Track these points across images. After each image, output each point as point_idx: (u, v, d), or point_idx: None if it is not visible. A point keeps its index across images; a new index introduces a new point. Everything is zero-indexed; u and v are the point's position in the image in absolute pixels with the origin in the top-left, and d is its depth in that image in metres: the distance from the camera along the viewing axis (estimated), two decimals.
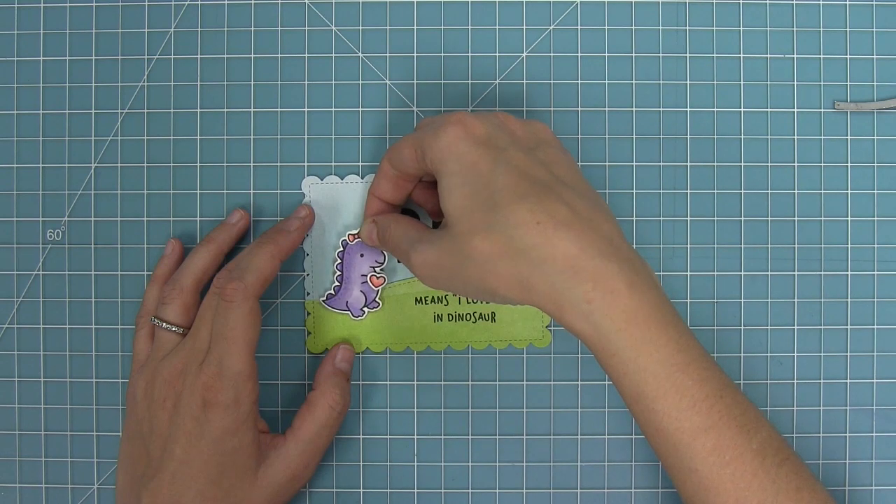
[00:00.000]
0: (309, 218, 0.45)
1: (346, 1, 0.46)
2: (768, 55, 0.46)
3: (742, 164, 0.46)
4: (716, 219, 0.46)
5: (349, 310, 0.45)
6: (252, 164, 0.46)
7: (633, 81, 0.46)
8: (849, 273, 0.46)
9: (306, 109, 0.46)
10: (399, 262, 0.45)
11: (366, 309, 0.45)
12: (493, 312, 0.46)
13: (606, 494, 0.46)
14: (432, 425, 0.46)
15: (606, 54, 0.46)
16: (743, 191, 0.46)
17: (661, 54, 0.46)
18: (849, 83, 0.46)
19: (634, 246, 0.45)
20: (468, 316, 0.46)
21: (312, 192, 0.46)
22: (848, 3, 0.46)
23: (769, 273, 0.46)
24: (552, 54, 0.46)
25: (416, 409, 0.46)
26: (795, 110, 0.46)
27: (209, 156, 0.46)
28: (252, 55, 0.46)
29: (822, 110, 0.46)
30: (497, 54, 0.46)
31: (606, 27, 0.46)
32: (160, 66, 0.46)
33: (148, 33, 0.46)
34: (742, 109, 0.46)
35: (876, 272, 0.46)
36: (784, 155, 0.46)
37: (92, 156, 0.46)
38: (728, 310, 0.46)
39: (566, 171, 0.38)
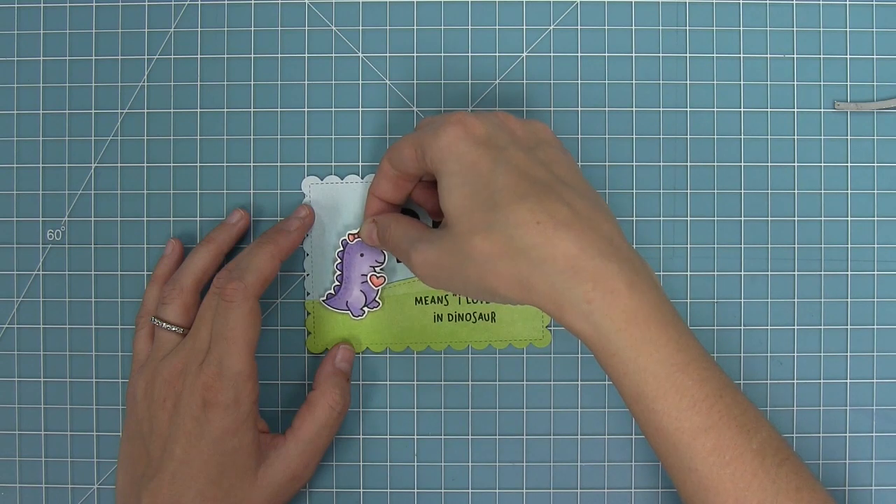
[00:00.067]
0: (309, 218, 0.45)
1: (346, 1, 0.46)
2: (768, 55, 0.46)
3: (742, 164, 0.46)
4: (716, 219, 0.46)
5: (349, 310, 0.45)
6: (252, 164, 0.46)
7: (633, 81, 0.46)
8: (849, 273, 0.46)
9: (306, 109, 0.46)
10: (399, 261, 0.45)
11: (366, 309, 0.45)
12: (493, 312, 0.46)
13: (606, 494, 0.46)
14: (432, 425, 0.46)
15: (606, 54, 0.46)
16: (743, 191, 0.46)
17: (661, 54, 0.46)
18: (849, 83, 0.46)
19: (634, 246, 0.45)
20: (468, 316, 0.46)
21: (312, 192, 0.46)
22: (848, 3, 0.46)
23: (769, 273, 0.46)
24: (552, 54, 0.46)
25: (416, 409, 0.46)
26: (795, 110, 0.46)
27: (209, 156, 0.46)
28: (252, 55, 0.46)
29: (822, 110, 0.46)
30: (497, 54, 0.46)
31: (606, 27, 0.46)
32: (160, 66, 0.46)
33: (148, 33, 0.46)
34: (742, 109, 0.46)
35: (876, 272, 0.46)
36: (784, 155, 0.46)
37: (92, 156, 0.46)
38: (728, 310, 0.46)
39: (566, 170, 0.38)
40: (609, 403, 0.46)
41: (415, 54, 0.46)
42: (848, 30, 0.46)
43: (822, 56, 0.46)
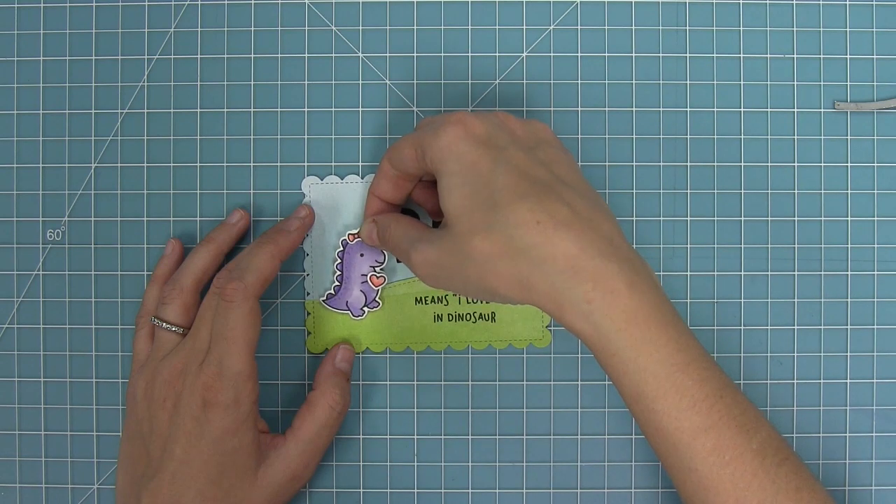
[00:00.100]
0: (309, 218, 0.45)
1: (346, 1, 0.46)
2: (768, 55, 0.46)
3: (742, 164, 0.46)
4: (716, 219, 0.46)
5: (349, 310, 0.45)
6: (252, 164, 0.46)
7: (633, 81, 0.46)
8: (849, 273, 0.46)
9: (306, 109, 0.46)
10: (399, 261, 0.45)
11: (366, 309, 0.45)
12: (493, 312, 0.46)
13: (606, 494, 0.46)
14: (432, 425, 0.46)
15: (606, 54, 0.46)
16: (743, 191, 0.46)
17: (661, 54, 0.46)
18: (849, 83, 0.46)
19: (634, 246, 0.45)
20: (468, 316, 0.46)
21: (312, 192, 0.46)
22: (848, 3, 0.46)
23: (769, 273, 0.46)
24: (552, 54, 0.46)
25: (416, 409, 0.46)
26: (795, 110, 0.46)
27: (209, 156, 0.46)
28: (252, 55, 0.46)
29: (822, 110, 0.46)
30: (497, 54, 0.46)
31: (606, 27, 0.46)
32: (160, 66, 0.46)
33: (148, 33, 0.46)
34: (742, 109, 0.46)
35: (876, 272, 0.46)
36: (784, 155, 0.46)
37: (92, 156, 0.46)
38: (728, 310, 0.46)
39: (566, 170, 0.38)
40: (609, 403, 0.46)
41: (415, 54, 0.46)
42: (848, 30, 0.46)
43: (822, 56, 0.46)
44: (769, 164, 0.46)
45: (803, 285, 0.46)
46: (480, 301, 0.45)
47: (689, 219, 0.46)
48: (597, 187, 0.45)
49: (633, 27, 0.46)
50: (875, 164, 0.46)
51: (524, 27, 0.46)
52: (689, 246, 0.46)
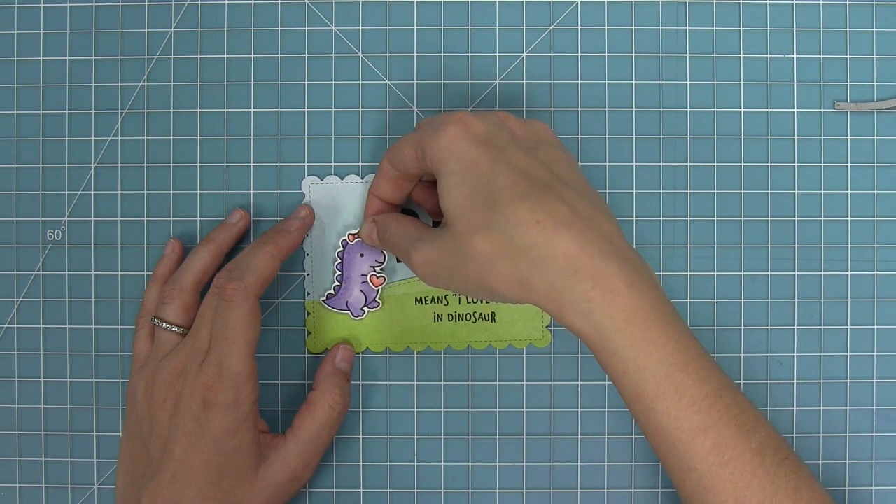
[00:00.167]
0: (309, 218, 0.45)
1: (346, 1, 0.46)
2: (768, 55, 0.46)
3: (742, 164, 0.46)
4: (716, 219, 0.46)
5: (349, 310, 0.45)
6: (252, 164, 0.46)
7: (633, 81, 0.46)
8: (849, 273, 0.46)
9: (306, 109, 0.46)
10: (399, 261, 0.45)
11: (366, 309, 0.45)
12: (493, 312, 0.46)
13: (606, 494, 0.46)
14: (432, 425, 0.46)
15: (606, 54, 0.46)
16: (743, 191, 0.46)
17: (661, 54, 0.46)
18: (849, 83, 0.46)
19: (634, 246, 0.45)
20: (468, 316, 0.46)
21: (312, 192, 0.46)
22: (848, 3, 0.46)
23: (769, 273, 0.46)
24: (552, 54, 0.46)
25: (416, 409, 0.46)
26: (795, 110, 0.46)
27: (209, 156, 0.46)
28: (252, 55, 0.46)
29: (822, 110, 0.46)
30: (497, 54, 0.46)
31: (606, 27, 0.46)
32: (160, 66, 0.46)
33: (148, 33, 0.46)
34: (742, 109, 0.46)
35: (876, 272, 0.46)
36: (784, 155, 0.46)
37: (92, 156, 0.46)
38: (728, 310, 0.46)
39: (566, 170, 0.38)
40: (609, 403, 0.46)
41: (415, 54, 0.46)
42: (848, 30, 0.46)
43: (822, 56, 0.46)
44: (769, 164, 0.46)
45: (803, 285, 0.46)
46: (480, 301, 0.45)
47: (689, 219, 0.46)
48: (597, 187, 0.45)
49: (633, 27, 0.46)
50: (875, 164, 0.46)
51: (524, 27, 0.46)
52: (689, 246, 0.46)
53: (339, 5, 0.46)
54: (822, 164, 0.46)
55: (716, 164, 0.46)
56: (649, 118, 0.46)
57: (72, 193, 0.46)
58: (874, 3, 0.46)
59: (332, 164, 0.46)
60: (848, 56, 0.46)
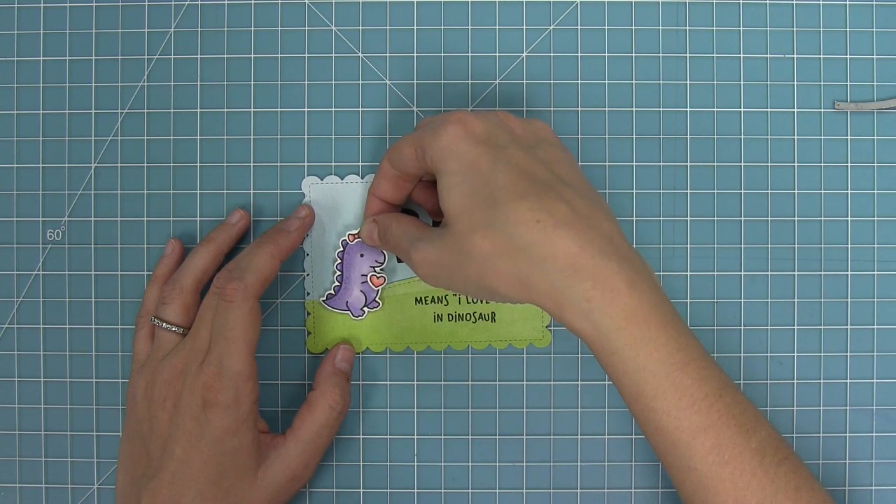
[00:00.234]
0: (309, 218, 0.45)
1: (346, 1, 0.46)
2: (768, 55, 0.46)
3: (742, 164, 0.46)
4: (716, 219, 0.46)
5: (349, 310, 0.45)
6: (252, 164, 0.46)
7: (633, 81, 0.46)
8: (849, 273, 0.46)
9: (306, 109, 0.46)
10: (399, 261, 0.45)
11: (366, 309, 0.45)
12: (493, 312, 0.46)
13: (606, 494, 0.45)
14: (432, 425, 0.46)
15: (606, 54, 0.46)
16: (743, 191, 0.46)
17: (661, 54, 0.46)
18: (849, 83, 0.46)
19: (634, 246, 0.45)
20: (468, 316, 0.46)
21: (312, 192, 0.46)
22: (848, 3, 0.46)
23: (769, 273, 0.46)
24: (552, 54, 0.46)
25: (416, 409, 0.46)
26: (795, 110, 0.46)
27: (209, 156, 0.46)
28: (252, 55, 0.46)
29: (822, 110, 0.46)
30: (497, 54, 0.46)
31: (606, 27, 0.46)
32: (160, 66, 0.46)
33: (148, 33, 0.46)
34: (742, 109, 0.46)
35: (876, 272, 0.46)
36: (784, 155, 0.46)
37: (92, 156, 0.46)
38: (728, 310, 0.46)
39: (566, 169, 0.38)
40: (609, 403, 0.46)
41: (415, 54, 0.46)
42: (848, 30, 0.46)
43: (822, 56, 0.46)
44: (769, 164, 0.46)
45: (803, 285, 0.46)
46: (480, 301, 0.45)
47: (689, 219, 0.46)
48: (597, 187, 0.45)
49: (633, 27, 0.46)
50: (875, 164, 0.46)
51: (524, 27, 0.46)
52: (689, 246, 0.46)
53: (339, 5, 0.46)
54: (822, 164, 0.46)
55: (716, 164, 0.46)
56: (649, 118, 0.46)
57: (72, 193, 0.46)
58: (874, 3, 0.46)
59: (332, 164, 0.46)
60: (848, 56, 0.46)
